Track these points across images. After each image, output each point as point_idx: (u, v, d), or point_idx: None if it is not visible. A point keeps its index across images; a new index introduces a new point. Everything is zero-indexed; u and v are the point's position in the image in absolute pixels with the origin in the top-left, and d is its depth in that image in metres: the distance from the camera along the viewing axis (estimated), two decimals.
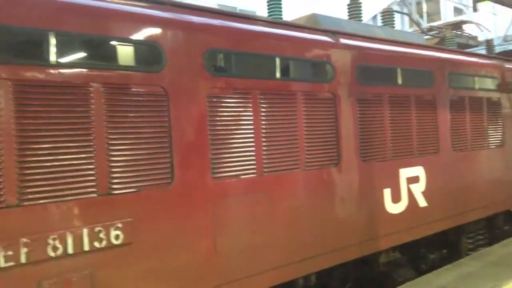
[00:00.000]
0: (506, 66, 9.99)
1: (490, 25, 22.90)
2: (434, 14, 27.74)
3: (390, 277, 7.49)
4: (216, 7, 5.75)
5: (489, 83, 9.37)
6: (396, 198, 7.06)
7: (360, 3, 8.19)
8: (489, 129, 9.13)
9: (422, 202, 7.49)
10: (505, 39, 22.95)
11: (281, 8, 6.70)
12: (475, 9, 25.87)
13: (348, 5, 8.06)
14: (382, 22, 8.85)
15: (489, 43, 11.06)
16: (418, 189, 7.45)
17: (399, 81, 7.27)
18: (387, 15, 8.77)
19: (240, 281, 5.13)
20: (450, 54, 8.69)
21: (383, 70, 7.15)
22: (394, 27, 8.88)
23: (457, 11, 26.38)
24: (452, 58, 8.59)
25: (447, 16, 25.68)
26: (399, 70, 7.26)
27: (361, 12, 8.11)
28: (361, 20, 8.07)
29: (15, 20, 3.88)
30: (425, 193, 7.54)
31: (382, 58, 7.15)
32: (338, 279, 6.68)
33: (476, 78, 8.93)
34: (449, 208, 8.07)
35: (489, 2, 8.50)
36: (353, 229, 6.46)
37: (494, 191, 9.22)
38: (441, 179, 7.91)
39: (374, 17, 25.11)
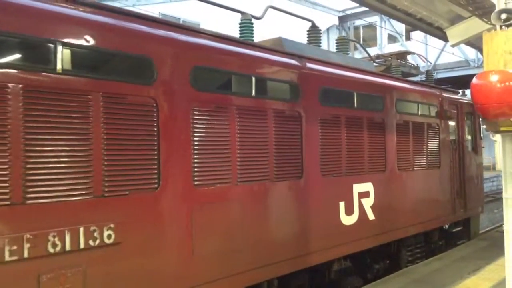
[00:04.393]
0: (444, 95, 10.85)
1: (421, 53, 24.74)
2: (370, 40, 29.46)
3: (341, 285, 8.02)
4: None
5: (430, 110, 10.24)
6: (349, 211, 7.68)
7: (320, 30, 8.72)
8: (429, 151, 9.99)
9: (370, 216, 8.14)
10: (435, 68, 24.90)
11: (252, 30, 7.12)
12: (408, 38, 27.85)
13: (308, 31, 8.59)
14: (336, 49, 9.43)
15: (428, 73, 12.05)
16: (368, 203, 8.09)
17: (355, 104, 7.95)
18: (342, 43, 9.38)
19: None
20: (398, 82, 9.55)
21: (342, 93, 7.78)
22: (348, 54, 9.51)
23: (392, 38, 28.21)
24: (399, 85, 9.44)
25: (382, 42, 27.37)
26: (355, 94, 7.95)
27: (321, 38, 8.69)
28: (320, 46, 8.64)
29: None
30: (373, 207, 8.19)
31: (341, 82, 7.78)
32: (297, 285, 7.07)
33: (419, 105, 9.83)
34: (392, 223, 8.76)
35: (461, 42, 9.51)
36: (312, 238, 6.94)
37: (431, 209, 10.03)
38: (387, 195, 8.60)
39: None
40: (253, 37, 7.17)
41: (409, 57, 13.52)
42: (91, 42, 4.53)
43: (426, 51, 24.93)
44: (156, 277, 4.90)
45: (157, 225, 4.95)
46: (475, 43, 11.45)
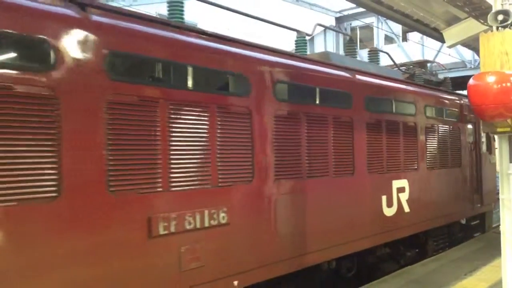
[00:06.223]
0: (464, 100, 11.58)
1: (418, 54, 24.79)
2: (366, 40, 29.49)
3: (380, 269, 9.21)
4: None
5: (452, 115, 11.23)
6: (389, 203, 8.80)
7: (355, 43, 9.66)
8: (451, 152, 11.06)
9: (406, 208, 9.22)
10: (431, 69, 24.89)
11: (306, 47, 8.13)
12: (404, 39, 27.88)
13: (346, 44, 9.67)
14: (368, 59, 10.47)
15: (446, 80, 12.72)
16: (404, 197, 9.18)
17: (393, 110, 9.12)
18: (373, 53, 10.52)
19: None
20: (426, 90, 10.65)
21: (382, 100, 8.94)
22: (379, 63, 10.53)
23: (388, 39, 28.24)
24: (427, 92, 10.59)
25: (379, 43, 27.39)
26: (393, 101, 9.14)
27: (356, 51, 9.72)
28: (356, 57, 9.69)
29: None
30: (408, 201, 9.24)
31: (382, 91, 8.96)
32: (347, 267, 8.33)
33: (444, 110, 10.94)
34: (423, 215, 9.74)
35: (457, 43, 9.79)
36: (362, 225, 8.03)
37: (454, 203, 11.11)
38: (419, 191, 9.68)
39: (311, 39, 26.27)
40: (306, 52, 8.18)
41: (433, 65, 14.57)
42: (212, 66, 5.80)
43: (422, 52, 24.94)
44: (254, 250, 6.12)
45: (252, 210, 6.16)
46: (472, 44, 11.49)
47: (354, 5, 13.09)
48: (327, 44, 27.55)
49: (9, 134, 3.99)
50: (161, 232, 4.97)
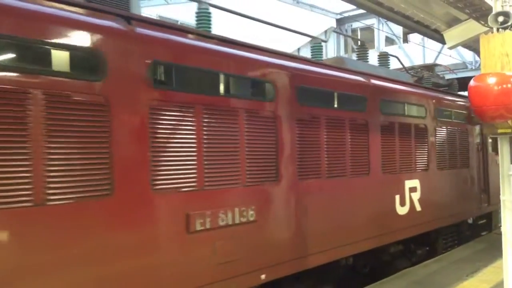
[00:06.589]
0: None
1: (419, 56, 24.79)
2: (367, 42, 29.51)
3: (393, 265, 9.57)
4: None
5: (461, 117, 11.54)
6: (402, 203, 9.20)
7: (367, 48, 9.96)
8: (460, 153, 11.46)
9: (418, 207, 9.60)
10: (437, 71, 24.87)
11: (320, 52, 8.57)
12: (405, 40, 27.88)
13: (357, 48, 10.08)
14: (378, 63, 10.73)
15: (453, 83, 12.92)
16: (415, 197, 9.54)
17: (405, 112, 9.54)
18: (383, 57, 10.85)
19: None
20: (436, 93, 11.07)
21: (395, 103, 9.37)
22: (389, 67, 10.86)
23: (389, 40, 28.24)
24: (437, 96, 11.00)
25: (380, 44, 27.38)
26: (405, 104, 9.59)
27: (368, 55, 10.09)
28: (367, 61, 9.98)
29: None
30: (419, 200, 9.60)
31: (395, 94, 9.39)
32: (363, 264, 8.80)
33: (453, 112, 11.34)
34: (433, 214, 10.14)
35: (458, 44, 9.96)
36: (378, 223, 8.40)
37: (462, 203, 11.48)
38: (430, 191, 10.05)
39: (312, 41, 26.26)
40: (321, 58, 8.70)
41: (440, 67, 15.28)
42: (241, 73, 6.26)
43: (423, 54, 24.93)
44: (279, 245, 6.50)
45: (278, 208, 6.53)
46: (473, 45, 11.47)
47: (354, 7, 13.14)
48: (328, 45, 27.53)
49: (72, 138, 4.40)
50: (198, 228, 5.39)
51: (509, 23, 5.94)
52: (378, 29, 26.32)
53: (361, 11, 21.57)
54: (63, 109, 4.34)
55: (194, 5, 6.78)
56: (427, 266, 9.44)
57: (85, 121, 4.49)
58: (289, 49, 10.03)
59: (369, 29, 27.50)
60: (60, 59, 4.44)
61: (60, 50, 4.43)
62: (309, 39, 24.67)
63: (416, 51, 25.14)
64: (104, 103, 4.63)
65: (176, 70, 5.53)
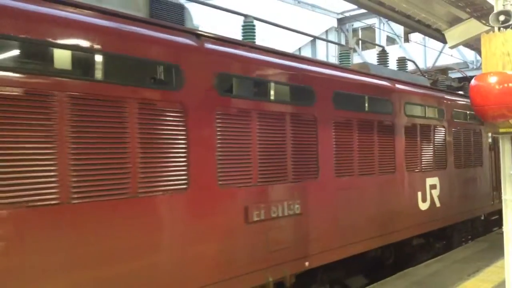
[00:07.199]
0: None
1: (420, 55, 24.75)
2: (367, 42, 29.44)
3: (415, 257, 10.22)
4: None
5: (475, 118, 11.47)
6: (424, 199, 9.89)
7: (388, 53, 10.37)
8: (475, 152, 12.13)
9: (437, 203, 10.31)
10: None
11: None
12: (406, 40, 27.86)
13: (378, 54, 10.66)
14: (397, 67, 11.18)
15: (465, 85, 13.05)
16: (435, 193, 10.23)
17: (426, 114, 10.21)
18: (401, 62, 11.30)
19: None
20: (452, 96, 11.71)
21: (417, 106, 10.00)
22: (388, 65, 10.88)
23: (390, 40, 28.21)
24: (453, 98, 11.62)
25: (381, 44, 27.35)
26: (426, 107, 10.27)
27: (388, 60, 10.60)
28: (388, 66, 10.50)
29: None
30: (439, 197, 10.32)
31: (417, 98, 10.07)
32: (387, 257, 9.43)
33: (468, 114, 11.92)
34: (451, 209, 10.85)
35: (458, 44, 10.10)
36: (403, 217, 9.10)
37: (477, 199, 12.19)
38: (448, 188, 10.74)
39: (313, 41, 26.26)
40: (350, 64, 9.33)
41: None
42: (288, 81, 6.97)
43: (424, 53, 24.91)
44: (320, 236, 7.21)
45: (319, 202, 7.19)
46: (474, 44, 11.47)
47: (355, 7, 13.13)
48: (328, 45, 27.52)
49: (159, 141, 5.16)
50: (255, 218, 6.13)
51: (510, 22, 5.93)
52: (379, 29, 26.30)
53: (362, 10, 21.55)
54: (151, 115, 5.09)
55: (195, 7, 7.09)
56: (428, 266, 9.43)
57: (167, 125, 5.26)
58: (290, 49, 9.97)
59: (370, 29, 27.49)
60: (151, 72, 5.41)
61: (152, 65, 5.39)
62: (310, 38, 24.72)
63: (417, 51, 25.12)
64: (182, 109, 5.39)
65: (236, 79, 6.34)
